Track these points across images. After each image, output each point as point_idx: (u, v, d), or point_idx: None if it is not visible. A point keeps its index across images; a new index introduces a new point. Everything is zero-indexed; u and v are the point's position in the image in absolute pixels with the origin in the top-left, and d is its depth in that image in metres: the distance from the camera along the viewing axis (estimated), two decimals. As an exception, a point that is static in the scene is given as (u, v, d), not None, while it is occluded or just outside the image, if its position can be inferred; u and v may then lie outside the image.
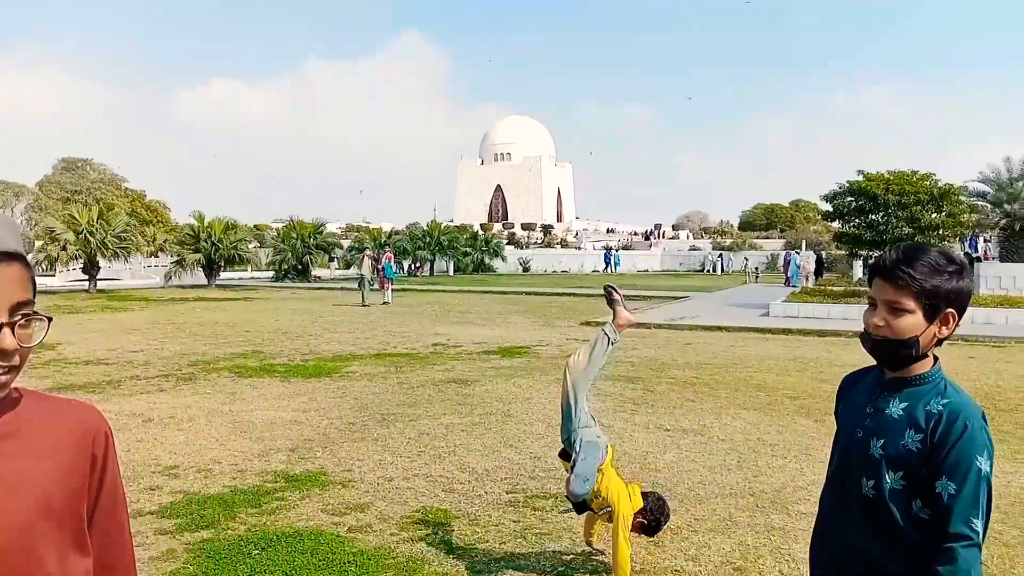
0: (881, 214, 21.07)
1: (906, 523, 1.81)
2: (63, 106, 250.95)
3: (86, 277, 31.41)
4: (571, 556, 4.55)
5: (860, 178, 22.07)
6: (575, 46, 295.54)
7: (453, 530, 4.93)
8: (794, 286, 30.62)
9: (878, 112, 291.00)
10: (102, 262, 31.21)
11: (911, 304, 1.80)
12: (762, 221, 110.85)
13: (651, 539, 4.70)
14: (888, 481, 1.82)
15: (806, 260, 38.68)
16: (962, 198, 21.26)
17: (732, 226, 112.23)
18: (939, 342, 1.87)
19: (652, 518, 4.20)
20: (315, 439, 7.25)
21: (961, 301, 1.84)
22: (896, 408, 1.86)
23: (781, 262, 46.08)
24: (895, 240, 20.92)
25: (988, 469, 1.75)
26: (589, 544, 4.60)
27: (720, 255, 62.85)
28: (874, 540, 1.85)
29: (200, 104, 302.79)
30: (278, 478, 6.00)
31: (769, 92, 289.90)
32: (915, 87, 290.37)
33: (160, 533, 4.84)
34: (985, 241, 35.79)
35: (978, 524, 1.72)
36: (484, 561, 4.44)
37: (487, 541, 4.75)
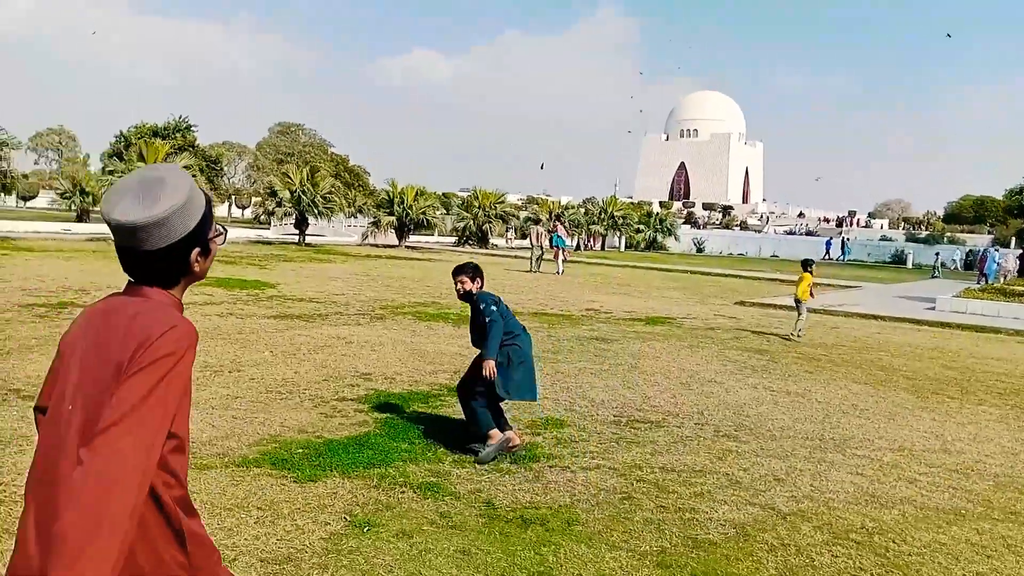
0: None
1: None
2: (281, 73, 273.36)
3: (297, 231, 35.68)
4: (648, 456, 5.96)
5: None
6: (773, 11, 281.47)
7: (565, 432, 6.52)
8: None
9: None
10: (310, 219, 35.31)
11: None
12: (970, 214, 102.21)
13: (715, 454, 6.05)
14: None
15: (1006, 258, 36.27)
16: None
17: (937, 217, 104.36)
18: None
19: None
20: (473, 367, 9.06)
21: None
22: None
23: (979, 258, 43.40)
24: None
25: None
26: None
27: (842, 240, 60.06)
28: None
29: (400, 72, 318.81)
30: (442, 388, 7.84)
31: (994, 61, 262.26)
32: None
33: (357, 411, 6.77)
34: None
35: None
36: (581, 450, 5.99)
37: (587, 440, 6.30)
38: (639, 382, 8.83)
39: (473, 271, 6.23)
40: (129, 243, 1.75)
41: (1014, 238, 59.73)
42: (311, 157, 72.20)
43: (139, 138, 44.92)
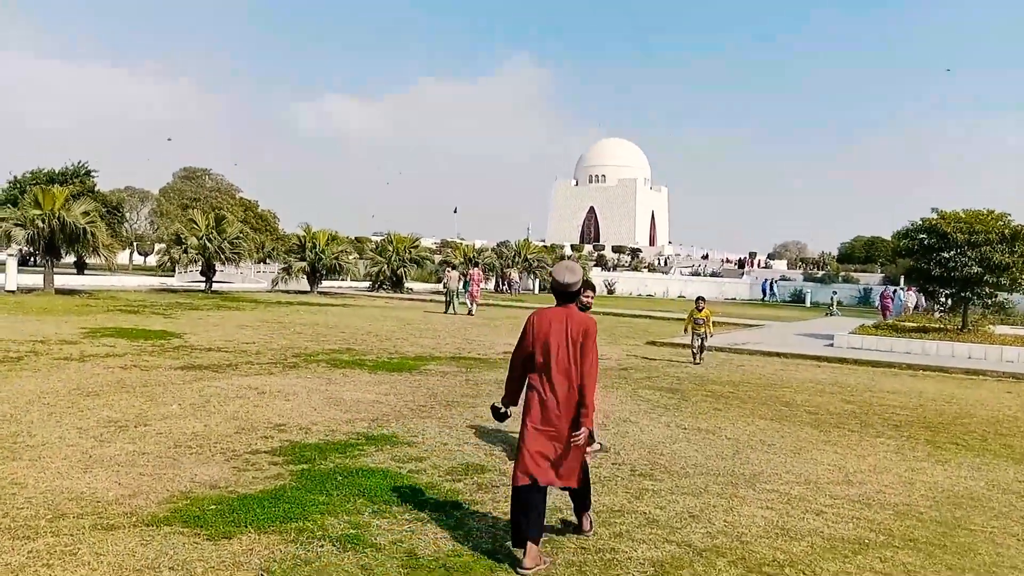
0: (951, 252, 21.46)
1: None
2: (187, 117, 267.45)
3: (203, 279, 34.66)
4: (564, 497, 6.01)
5: (934, 216, 22.52)
6: (678, 69, 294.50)
7: (485, 477, 6.51)
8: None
9: (995, 144, 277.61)
10: (217, 266, 34.37)
11: None
12: (861, 254, 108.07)
13: (632, 494, 6.17)
14: None
15: (908, 296, 38.44)
16: (1037, 240, 21.37)
17: (832, 257, 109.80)
18: None
19: None
20: (391, 414, 8.97)
21: None
22: None
23: (876, 296, 45.85)
24: (964, 279, 21.32)
25: None
26: None
27: (775, 282, 63.60)
28: None
29: (313, 117, 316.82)
30: (359, 437, 7.72)
31: (878, 118, 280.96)
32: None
33: (272, 464, 6.60)
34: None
35: None
36: (502, 496, 5.99)
37: (507, 484, 6.28)
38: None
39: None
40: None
41: (903, 277, 63.48)
42: (217, 202, 70.61)
43: (35, 184, 43.02)
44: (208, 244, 32.40)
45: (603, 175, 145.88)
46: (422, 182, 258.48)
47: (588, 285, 7.41)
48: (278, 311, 25.17)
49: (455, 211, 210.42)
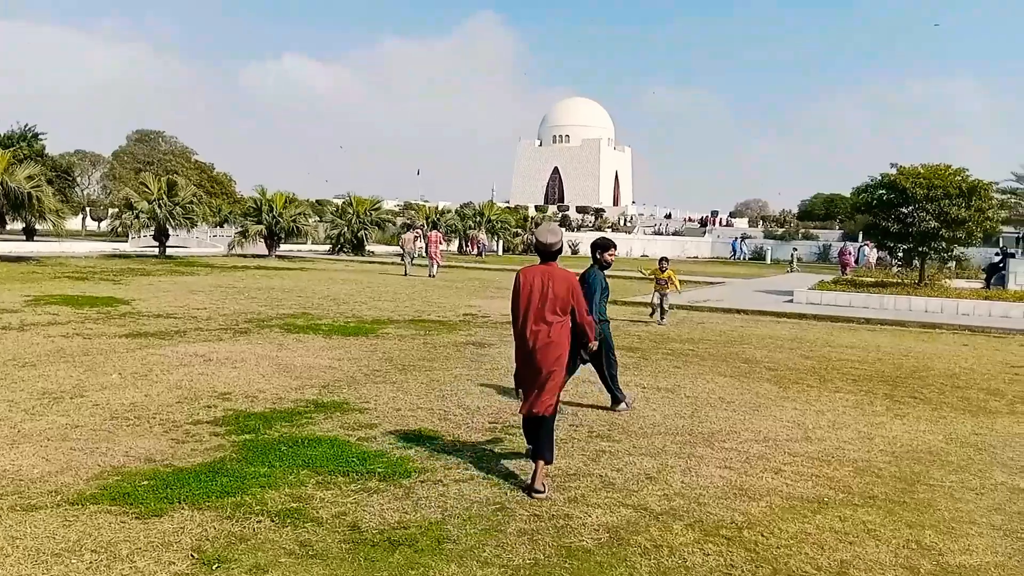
0: (910, 208, 21.57)
1: None
2: (144, 79, 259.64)
3: (156, 244, 33.74)
4: (523, 463, 5.82)
5: (893, 171, 22.58)
6: (642, 28, 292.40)
7: (438, 443, 6.28)
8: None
9: (955, 103, 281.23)
10: (171, 230, 33.45)
11: None
12: (821, 211, 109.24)
13: (588, 456, 6.00)
14: None
15: (871, 252, 38.90)
16: (993, 194, 21.63)
17: (792, 215, 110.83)
18: None
19: None
20: (343, 380, 8.68)
21: None
22: None
23: (835, 252, 46.42)
24: (922, 234, 21.48)
25: None
26: None
27: (742, 240, 64.09)
28: None
29: (271, 79, 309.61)
30: (308, 405, 7.44)
31: (838, 77, 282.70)
32: (1001, 79, 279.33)
33: (213, 435, 6.30)
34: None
35: None
36: (454, 462, 5.78)
37: (460, 451, 6.09)
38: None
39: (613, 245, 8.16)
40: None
41: (861, 233, 64.24)
42: (172, 165, 68.76)
43: (-25, 147, 41.29)
44: (158, 209, 31.46)
45: (567, 135, 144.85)
46: (386, 144, 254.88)
47: (612, 244, 8.03)
48: (233, 275, 24.56)
49: (418, 173, 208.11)
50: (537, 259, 5.56)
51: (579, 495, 5.19)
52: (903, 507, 5.22)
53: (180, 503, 4.74)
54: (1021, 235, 27.03)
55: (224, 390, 7.95)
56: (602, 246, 7.94)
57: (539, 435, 5.37)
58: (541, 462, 5.30)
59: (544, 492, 5.14)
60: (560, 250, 5.57)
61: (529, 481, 5.27)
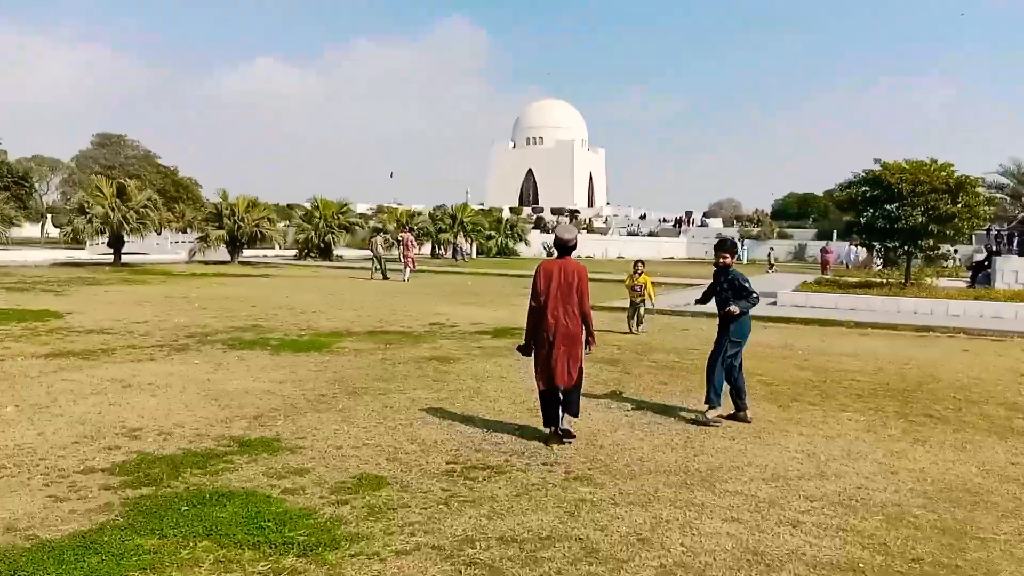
0: (896, 204, 20.73)
1: None
2: (106, 82, 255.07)
3: (111, 251, 32.16)
4: (484, 521, 4.71)
5: (877, 167, 21.75)
6: (617, 34, 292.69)
7: (381, 495, 5.13)
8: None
9: (924, 101, 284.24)
10: (126, 237, 31.88)
11: None
12: (794, 210, 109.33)
13: (565, 509, 4.89)
14: None
15: (858, 252, 38.32)
16: (979, 190, 20.86)
17: (766, 215, 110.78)
18: None
19: None
20: (281, 408, 7.51)
21: None
22: None
23: (811, 252, 45.84)
24: (909, 230, 20.65)
25: None
26: None
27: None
28: None
29: (241, 82, 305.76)
30: (232, 443, 6.25)
31: (810, 78, 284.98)
32: (967, 77, 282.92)
33: (104, 488, 5.11)
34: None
35: None
36: (399, 524, 4.63)
37: (408, 506, 4.95)
38: (481, 411, 7.60)
39: (732, 247, 7.94)
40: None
41: (835, 232, 63.83)
42: (135, 170, 66.74)
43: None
44: (111, 214, 29.90)
45: (541, 137, 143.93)
46: (358, 147, 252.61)
47: (732, 248, 7.91)
48: (188, 284, 23.18)
49: (391, 176, 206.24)
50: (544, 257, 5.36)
51: (553, 570, 4.07)
52: (959, 574, 4.17)
53: (23, 601, 3.57)
54: (1005, 232, 26.47)
55: (135, 425, 6.74)
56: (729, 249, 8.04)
57: (568, 399, 6.45)
58: (567, 415, 6.54)
59: (575, 437, 6.50)
60: (575, 246, 6.69)
61: (561, 427, 6.51)
